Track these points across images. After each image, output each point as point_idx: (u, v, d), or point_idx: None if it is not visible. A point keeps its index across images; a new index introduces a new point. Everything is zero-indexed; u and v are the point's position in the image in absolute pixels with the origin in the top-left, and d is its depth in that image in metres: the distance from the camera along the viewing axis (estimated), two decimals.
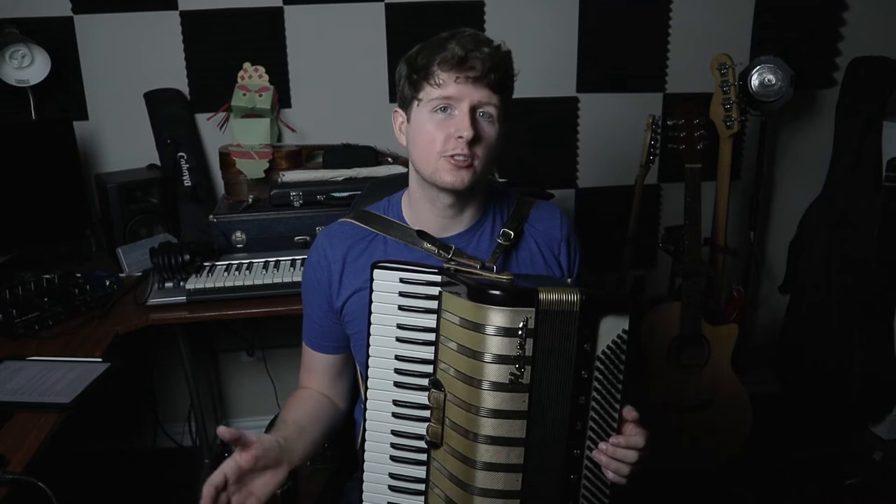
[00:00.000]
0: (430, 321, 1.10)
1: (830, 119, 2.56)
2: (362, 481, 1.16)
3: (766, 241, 2.79)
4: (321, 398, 1.33)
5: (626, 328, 1.06)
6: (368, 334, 1.13)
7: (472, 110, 1.14)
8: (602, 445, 1.07)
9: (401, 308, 1.11)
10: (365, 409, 1.15)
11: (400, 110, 1.24)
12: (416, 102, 1.18)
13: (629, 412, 1.09)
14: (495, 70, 1.13)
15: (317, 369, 1.34)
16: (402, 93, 1.21)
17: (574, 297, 1.04)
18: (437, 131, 1.15)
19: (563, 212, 1.36)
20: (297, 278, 1.86)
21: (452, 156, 1.15)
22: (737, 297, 2.41)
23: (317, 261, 1.28)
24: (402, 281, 1.11)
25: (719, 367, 2.22)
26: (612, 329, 1.06)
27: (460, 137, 1.13)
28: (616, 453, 1.07)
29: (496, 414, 1.04)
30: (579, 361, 1.05)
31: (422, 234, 1.24)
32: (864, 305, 2.51)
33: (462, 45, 1.12)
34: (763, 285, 2.83)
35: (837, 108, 2.53)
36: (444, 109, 1.15)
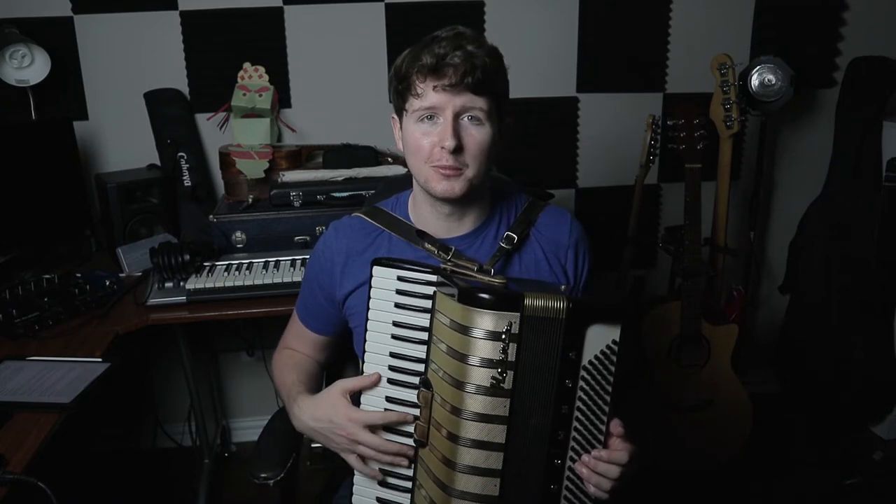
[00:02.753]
0: (425, 320, 1.10)
1: (830, 119, 2.56)
2: (354, 475, 1.17)
3: (766, 241, 2.79)
4: (314, 364, 1.39)
5: (617, 339, 1.04)
6: (365, 329, 1.13)
7: (456, 116, 1.13)
8: (584, 458, 1.06)
9: (397, 306, 1.12)
10: (360, 403, 1.15)
11: (395, 116, 1.24)
12: (404, 112, 1.18)
13: (615, 427, 1.08)
14: (472, 73, 1.10)
15: (303, 340, 1.39)
16: (393, 100, 1.22)
17: (560, 304, 1.02)
18: (423, 139, 1.15)
19: (574, 218, 1.34)
20: (298, 278, 1.86)
21: (439, 166, 1.15)
22: (737, 297, 2.41)
23: (322, 250, 1.31)
24: (399, 279, 1.12)
25: (719, 367, 2.22)
26: (600, 338, 1.04)
27: (443, 147, 1.13)
28: (598, 467, 1.05)
29: (478, 417, 1.04)
30: (563, 370, 1.04)
31: (421, 234, 1.24)
32: (864, 305, 2.51)
33: (435, 52, 1.10)
34: (763, 285, 2.83)
35: (837, 108, 2.53)
36: (429, 118, 1.15)
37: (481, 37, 1.16)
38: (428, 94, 1.13)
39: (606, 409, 1.06)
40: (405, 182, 1.34)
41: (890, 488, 2.38)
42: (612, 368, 1.05)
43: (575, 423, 1.06)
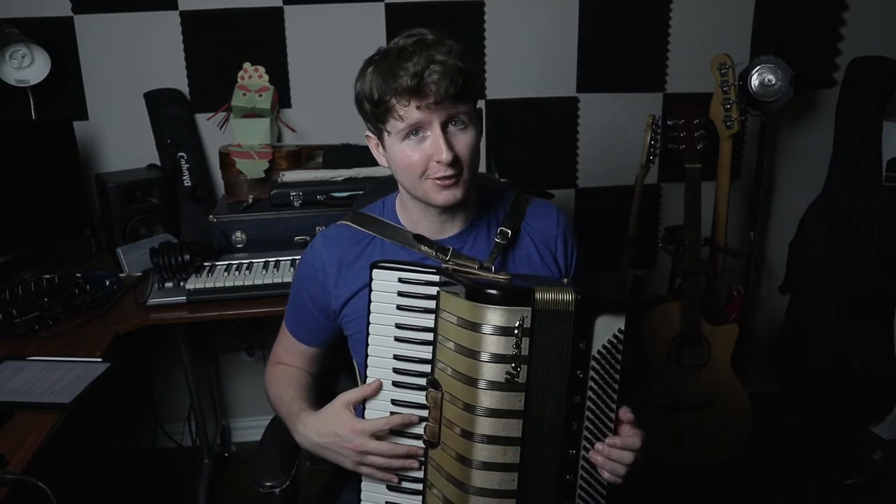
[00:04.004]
0: (428, 321, 1.10)
1: (830, 119, 2.56)
2: (361, 480, 1.16)
3: (766, 241, 2.79)
4: (308, 378, 1.37)
5: (622, 328, 1.06)
6: (367, 334, 1.13)
7: (444, 127, 1.12)
8: (598, 446, 1.07)
9: (399, 308, 1.12)
10: (364, 408, 1.15)
11: (371, 134, 1.22)
12: (385, 133, 1.16)
13: (625, 413, 1.09)
14: (454, 84, 1.08)
15: (294, 353, 1.38)
16: (368, 121, 1.18)
17: (569, 297, 1.04)
18: (413, 155, 1.14)
19: (560, 209, 1.36)
20: None
21: (437, 178, 1.14)
22: (737, 297, 2.41)
23: (311, 261, 1.29)
24: (400, 281, 1.12)
25: (719, 367, 2.22)
26: (607, 329, 1.06)
27: (439, 161, 1.12)
28: (612, 454, 1.07)
29: (492, 413, 1.04)
30: (574, 361, 1.05)
31: (418, 238, 1.24)
32: (864, 305, 2.51)
33: (411, 70, 1.07)
34: (763, 285, 2.83)
35: (837, 108, 2.53)
36: (415, 133, 1.13)
37: (446, 38, 1.13)
38: (411, 112, 1.10)
39: (615, 396, 1.08)
40: (393, 183, 1.34)
41: (890, 488, 2.38)
42: (620, 357, 1.07)
43: (587, 413, 1.07)
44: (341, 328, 1.30)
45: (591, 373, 1.06)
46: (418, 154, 1.13)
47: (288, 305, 1.37)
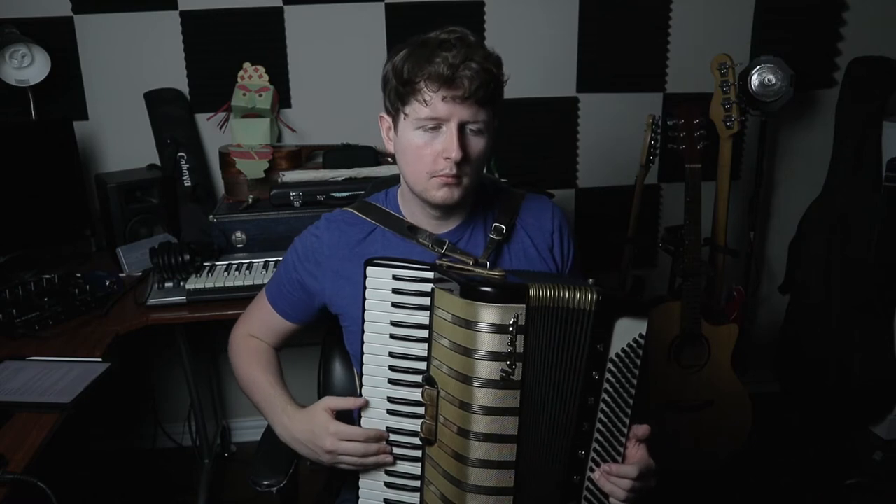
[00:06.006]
0: (423, 318, 1.10)
1: (830, 119, 2.56)
2: (359, 478, 1.17)
3: (766, 241, 2.79)
4: (276, 357, 1.39)
5: (644, 332, 1.06)
6: (363, 332, 1.13)
7: (460, 127, 1.12)
8: (595, 473, 1.08)
9: (394, 305, 1.12)
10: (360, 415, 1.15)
11: (386, 116, 1.22)
12: (402, 116, 1.16)
13: (640, 429, 1.09)
14: (485, 87, 1.10)
15: (268, 326, 1.38)
16: (389, 100, 1.19)
17: (590, 297, 1.03)
18: (424, 148, 1.14)
19: (554, 203, 1.36)
20: None
21: (441, 175, 1.15)
22: (737, 297, 2.41)
23: (312, 241, 1.30)
24: (395, 278, 1.11)
25: (719, 367, 2.22)
26: (628, 332, 1.05)
27: (448, 158, 1.12)
28: (609, 481, 1.08)
29: (488, 411, 1.04)
30: (591, 362, 1.05)
31: (413, 229, 1.25)
32: (863, 305, 2.51)
33: (450, 61, 1.08)
34: (763, 285, 2.83)
35: (837, 108, 2.53)
36: (431, 126, 1.13)
37: (484, 43, 1.15)
38: (436, 105, 1.11)
39: (631, 402, 1.07)
40: (394, 183, 1.34)
41: (890, 488, 2.38)
42: (638, 362, 1.06)
43: (600, 415, 1.07)
44: (319, 311, 1.32)
45: (608, 375, 1.05)
46: (430, 146, 1.14)
47: (274, 276, 1.37)
